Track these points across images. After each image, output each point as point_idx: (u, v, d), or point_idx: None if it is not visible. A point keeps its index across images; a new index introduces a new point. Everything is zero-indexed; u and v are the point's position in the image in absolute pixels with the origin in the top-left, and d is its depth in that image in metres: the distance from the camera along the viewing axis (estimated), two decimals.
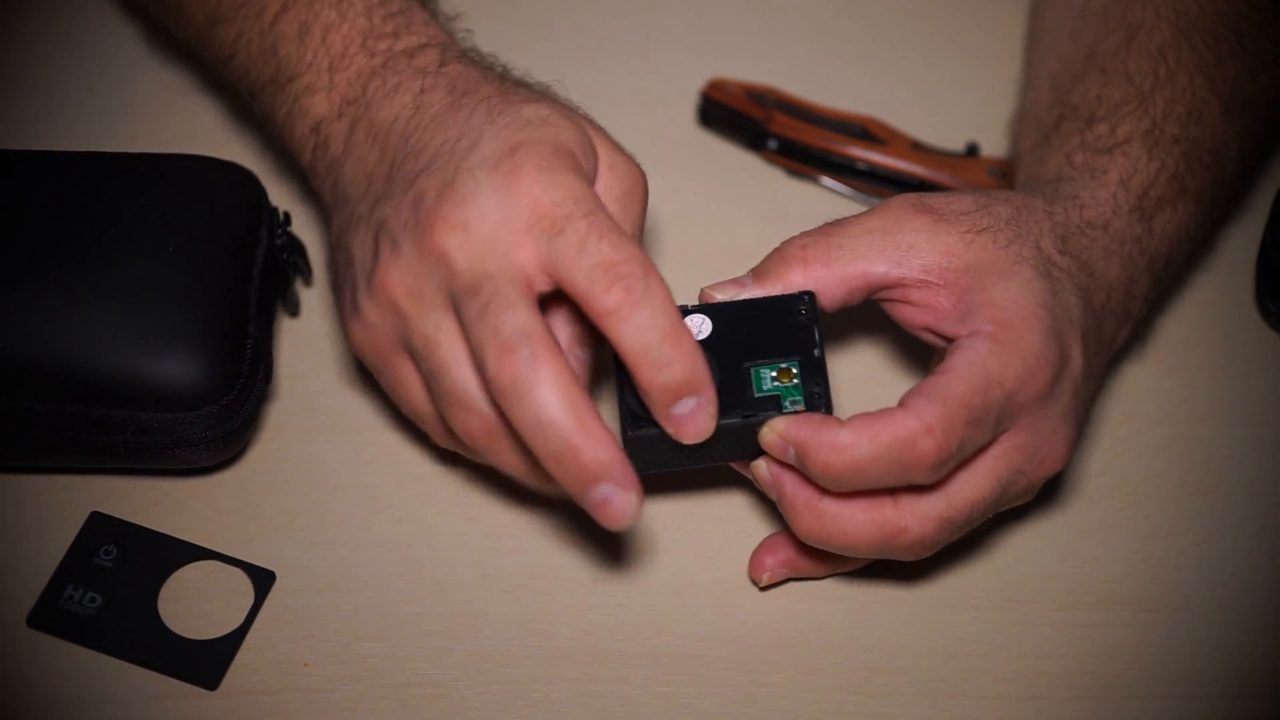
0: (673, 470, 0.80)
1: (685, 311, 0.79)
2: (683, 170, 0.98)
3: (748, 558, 0.85)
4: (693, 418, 0.75)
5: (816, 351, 0.79)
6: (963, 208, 0.80)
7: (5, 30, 1.01)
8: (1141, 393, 0.91)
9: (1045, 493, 0.86)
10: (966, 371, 0.76)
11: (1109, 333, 0.82)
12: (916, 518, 0.77)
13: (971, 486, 0.77)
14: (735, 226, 0.96)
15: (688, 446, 0.77)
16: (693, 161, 0.99)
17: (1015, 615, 0.83)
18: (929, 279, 0.79)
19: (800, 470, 0.77)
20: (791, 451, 0.77)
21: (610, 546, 0.85)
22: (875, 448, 0.75)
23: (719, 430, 0.76)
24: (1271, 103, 0.89)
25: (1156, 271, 0.84)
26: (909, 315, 0.80)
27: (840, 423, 0.76)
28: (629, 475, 0.74)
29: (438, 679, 0.81)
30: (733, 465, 0.81)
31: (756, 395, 0.78)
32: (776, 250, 0.80)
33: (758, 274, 0.80)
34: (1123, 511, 0.87)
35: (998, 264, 0.79)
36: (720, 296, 0.80)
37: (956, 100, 1.01)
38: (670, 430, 0.76)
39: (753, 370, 0.78)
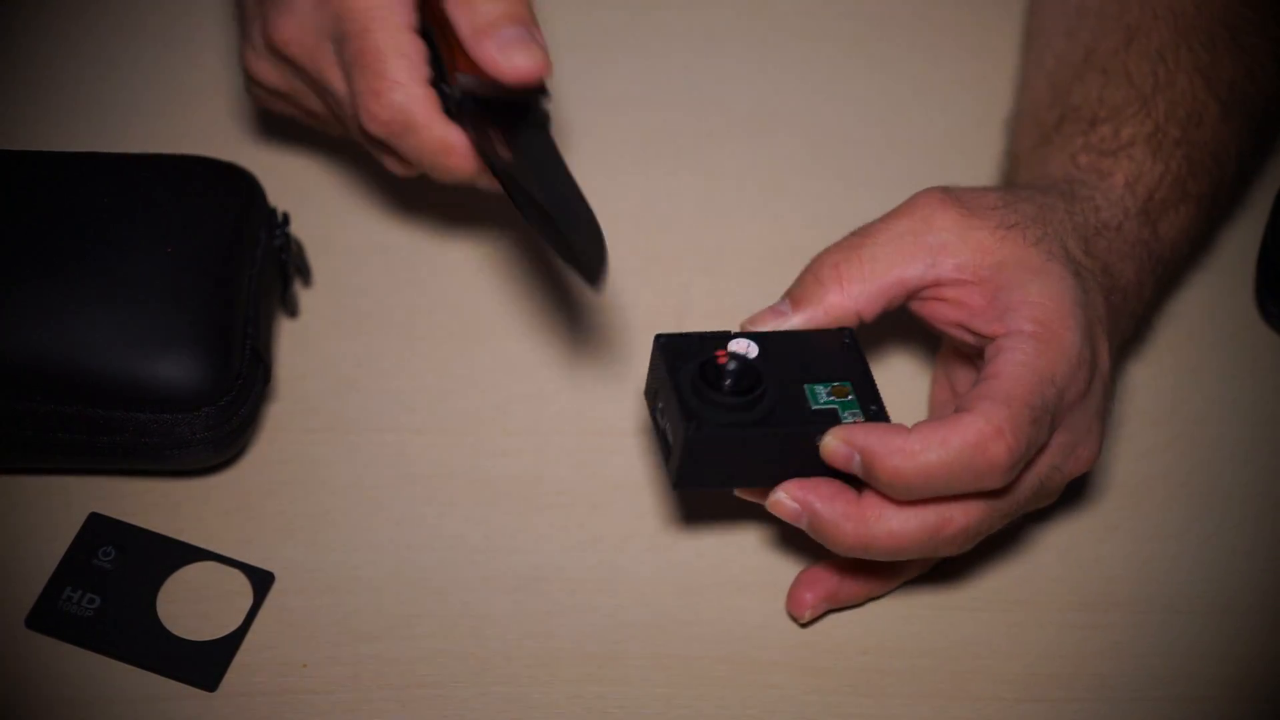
0: (720, 488, 0.79)
1: (729, 336, 0.78)
2: (683, 170, 0.98)
3: (748, 558, 0.85)
4: (490, 188, 0.82)
5: (867, 378, 0.78)
6: (990, 202, 0.80)
7: (5, 30, 1.01)
8: (1141, 393, 0.91)
9: None
10: (1020, 372, 0.75)
11: (1123, 333, 0.82)
12: (962, 506, 0.76)
13: (1017, 479, 0.77)
14: (737, 226, 0.96)
15: (742, 461, 0.77)
16: (695, 161, 0.99)
17: (1015, 616, 0.83)
18: (962, 276, 0.78)
19: (866, 479, 0.76)
20: (857, 459, 0.75)
21: (610, 547, 0.85)
22: (946, 453, 0.74)
23: (779, 436, 0.76)
24: (1269, 100, 0.89)
25: (1158, 275, 0.84)
26: (940, 312, 0.80)
27: (907, 429, 0.75)
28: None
29: (437, 680, 0.81)
30: (752, 499, 0.80)
31: (814, 408, 0.77)
32: (809, 270, 0.79)
33: (794, 298, 0.79)
34: (1123, 512, 0.87)
35: (1030, 261, 0.78)
36: (763, 329, 0.79)
37: (956, 100, 1.01)
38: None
39: (807, 387, 0.78)
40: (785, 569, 0.84)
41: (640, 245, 0.95)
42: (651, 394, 0.80)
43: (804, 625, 0.83)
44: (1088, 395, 0.77)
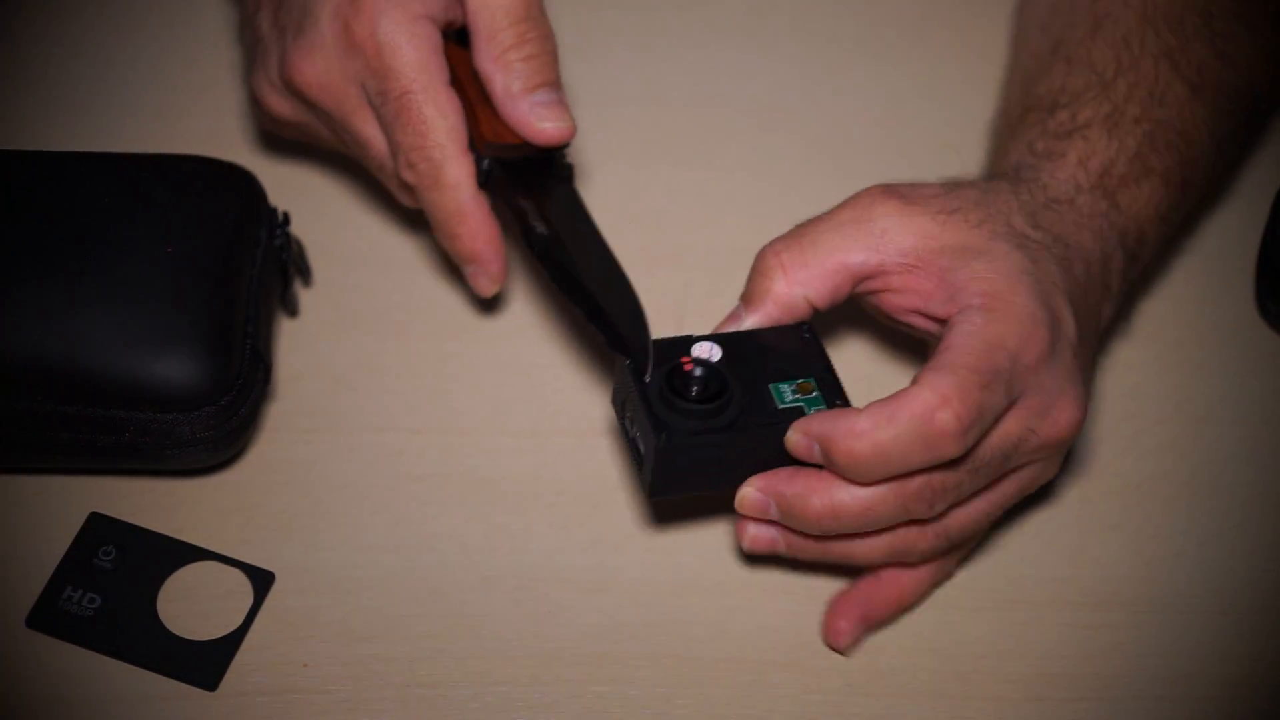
0: (695, 493, 0.81)
1: (692, 340, 0.80)
2: (684, 168, 0.98)
3: (747, 558, 0.85)
4: (473, 280, 0.88)
5: (829, 372, 0.80)
6: (931, 192, 0.81)
7: (5, 30, 1.01)
8: (1142, 393, 0.91)
9: (1046, 493, 0.86)
10: (968, 341, 0.76)
11: (1094, 303, 0.82)
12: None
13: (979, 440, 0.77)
14: (736, 224, 0.96)
15: (718, 462, 0.78)
16: (696, 159, 0.99)
17: (1016, 616, 0.83)
18: (907, 261, 0.80)
19: (829, 467, 0.77)
20: (816, 448, 0.77)
21: (610, 548, 0.85)
22: (895, 428, 0.75)
23: (747, 439, 0.78)
24: (1250, 85, 0.89)
25: (1130, 247, 0.84)
26: (894, 303, 0.81)
27: (859, 411, 0.76)
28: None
29: (437, 680, 0.81)
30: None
31: (780, 407, 0.79)
32: (754, 266, 0.81)
33: (745, 298, 0.81)
34: (1123, 512, 0.87)
35: (974, 242, 0.79)
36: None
37: (959, 97, 1.01)
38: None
39: (772, 387, 0.79)
40: (785, 569, 0.84)
41: (641, 244, 0.95)
42: (619, 403, 0.81)
43: (844, 654, 0.82)
44: (1052, 357, 0.78)
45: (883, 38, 1.04)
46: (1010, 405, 0.77)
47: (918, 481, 0.76)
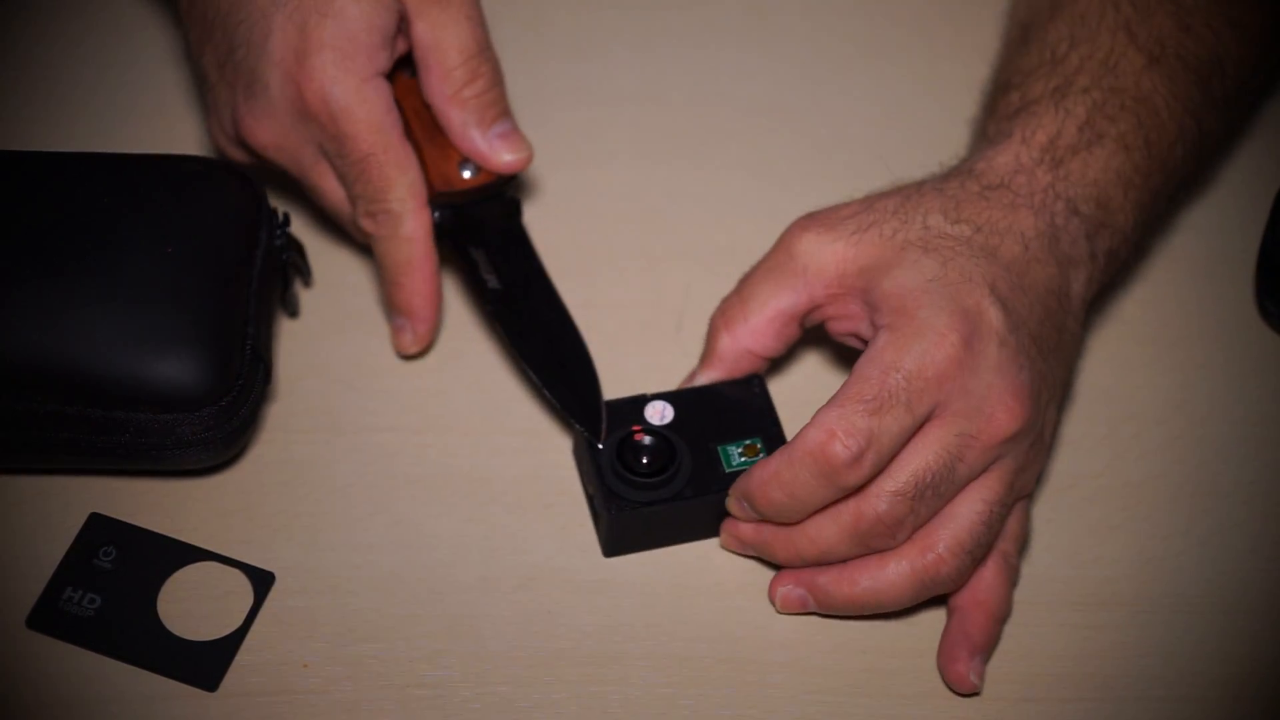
0: (650, 549, 0.84)
1: (645, 399, 0.84)
2: (684, 168, 0.98)
3: (747, 559, 0.85)
4: (398, 335, 0.89)
5: (775, 428, 0.84)
6: (847, 212, 0.83)
7: (6, 31, 1.01)
8: (1142, 393, 0.91)
9: (1046, 494, 0.86)
10: (864, 369, 0.79)
11: (1043, 280, 0.82)
12: (869, 498, 0.79)
13: (911, 458, 0.78)
14: (736, 224, 0.96)
15: (670, 525, 0.83)
16: (695, 159, 0.99)
17: (1015, 616, 0.83)
18: (831, 291, 0.82)
19: (760, 517, 0.81)
20: (745, 504, 0.81)
21: None
22: (794, 467, 0.78)
23: (695, 506, 0.82)
24: (1223, 58, 0.88)
25: (1090, 214, 0.84)
26: (835, 329, 0.84)
27: (768, 458, 0.80)
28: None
29: (437, 680, 0.81)
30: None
31: (726, 471, 0.83)
32: (709, 326, 0.85)
33: (701, 357, 0.85)
34: (1123, 511, 0.87)
35: (885, 256, 0.81)
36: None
37: (960, 96, 1.00)
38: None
39: (720, 449, 0.83)
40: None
41: (641, 244, 0.95)
42: (577, 460, 0.85)
43: (980, 693, 0.81)
44: (970, 357, 0.78)
45: (883, 38, 1.04)
46: (928, 419, 0.78)
47: (870, 518, 0.79)
